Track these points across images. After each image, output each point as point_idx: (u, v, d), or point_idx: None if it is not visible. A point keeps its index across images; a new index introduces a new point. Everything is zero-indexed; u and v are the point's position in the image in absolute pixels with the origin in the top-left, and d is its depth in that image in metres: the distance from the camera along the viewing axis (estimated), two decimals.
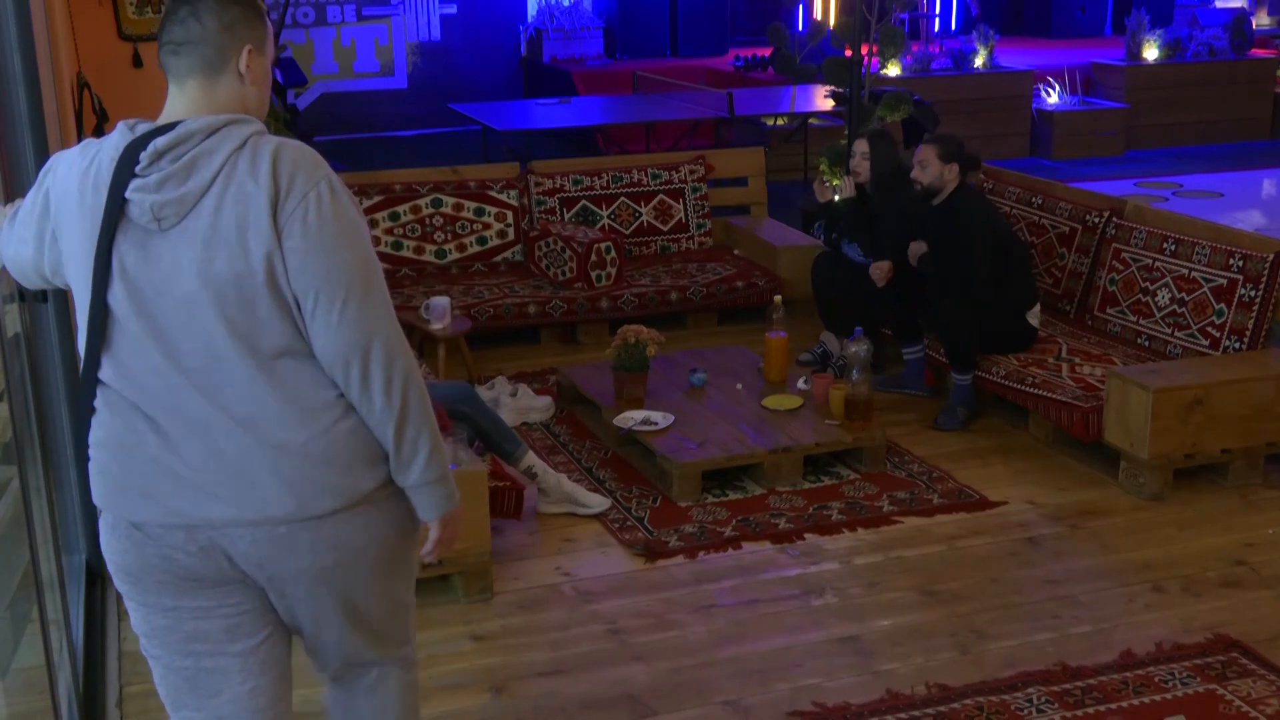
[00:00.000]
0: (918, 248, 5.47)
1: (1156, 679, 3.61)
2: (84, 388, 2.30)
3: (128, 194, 2.20)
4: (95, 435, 2.32)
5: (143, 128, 2.26)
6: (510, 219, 6.93)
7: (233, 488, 2.24)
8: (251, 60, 2.34)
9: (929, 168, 5.40)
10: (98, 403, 2.30)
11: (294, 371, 2.25)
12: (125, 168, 2.21)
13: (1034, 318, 5.44)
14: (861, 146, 5.91)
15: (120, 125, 2.29)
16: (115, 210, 2.21)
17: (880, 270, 5.54)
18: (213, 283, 2.19)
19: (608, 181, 7.12)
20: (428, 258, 6.79)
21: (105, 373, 2.27)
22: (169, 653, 2.43)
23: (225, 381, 2.22)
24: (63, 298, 4.11)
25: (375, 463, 2.32)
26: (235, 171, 2.20)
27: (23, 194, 3.81)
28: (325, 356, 2.25)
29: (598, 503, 4.64)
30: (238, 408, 2.23)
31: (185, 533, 2.27)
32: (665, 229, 7.17)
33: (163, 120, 2.29)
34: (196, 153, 2.21)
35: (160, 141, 2.21)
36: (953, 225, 5.34)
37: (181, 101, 2.32)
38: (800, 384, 5.34)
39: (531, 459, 4.58)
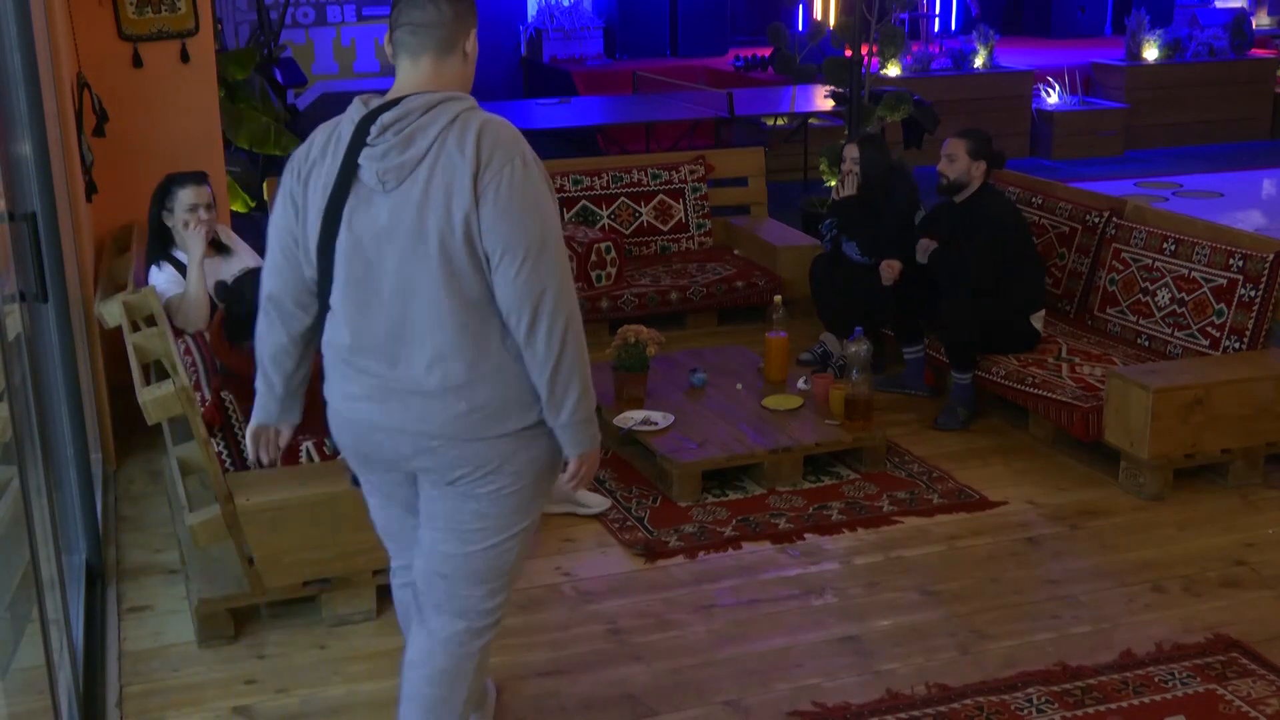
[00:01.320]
0: (927, 245, 5.45)
1: (1156, 679, 3.61)
2: (320, 305, 2.80)
3: (360, 160, 2.65)
4: (324, 346, 2.84)
5: (375, 102, 2.69)
6: None
7: (403, 406, 2.70)
8: (472, 43, 2.76)
9: (957, 162, 5.38)
10: (327, 322, 2.80)
11: (476, 316, 2.65)
12: (359, 138, 2.66)
13: (1038, 320, 5.44)
14: (852, 152, 5.94)
15: (356, 100, 2.73)
16: (349, 173, 2.67)
17: (891, 270, 5.52)
18: (422, 237, 2.61)
19: (608, 181, 7.12)
20: None
21: (331, 298, 2.75)
22: (372, 505, 3.04)
23: (418, 318, 2.65)
24: (63, 298, 4.11)
25: (514, 414, 2.72)
26: (446, 144, 2.60)
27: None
28: (504, 304, 2.64)
29: (598, 503, 4.64)
30: (423, 340, 2.66)
31: (368, 430, 2.79)
32: (665, 229, 7.17)
33: (395, 93, 2.70)
34: (414, 127, 2.61)
35: (386, 117, 2.63)
36: (971, 224, 5.33)
37: (414, 75, 2.71)
38: (800, 384, 5.34)
39: None
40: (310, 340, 2.89)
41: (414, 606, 3.00)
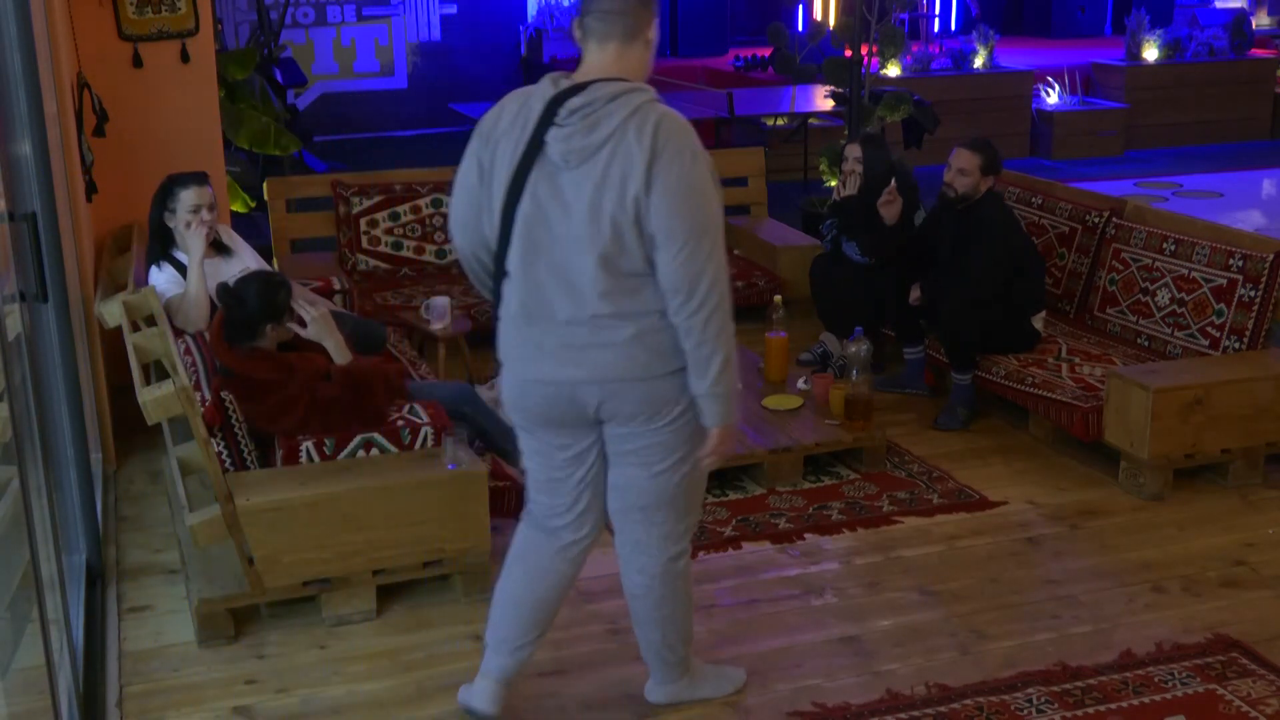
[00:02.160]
0: (915, 293, 5.46)
1: (1156, 679, 3.61)
2: (496, 275, 3.07)
3: (546, 137, 2.90)
4: (500, 312, 3.09)
5: (564, 83, 2.93)
6: None
7: (582, 359, 2.99)
8: (654, 31, 2.99)
9: (969, 177, 5.36)
10: (504, 287, 3.05)
11: (638, 281, 2.94)
12: (547, 116, 2.91)
13: (1038, 321, 5.44)
14: (854, 152, 5.93)
15: (546, 80, 2.96)
16: (535, 147, 2.92)
17: (914, 296, 5.50)
18: (598, 214, 2.89)
19: None
20: (428, 258, 6.79)
21: (509, 262, 3.00)
22: (532, 459, 3.29)
23: (588, 283, 2.93)
24: (63, 298, 4.11)
25: (677, 356, 3.01)
26: (626, 133, 2.86)
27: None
28: (663, 282, 2.93)
29: None
30: (589, 305, 2.95)
31: (546, 386, 3.05)
32: None
33: (583, 76, 2.95)
34: (600, 114, 2.87)
35: (574, 101, 2.88)
36: (972, 231, 5.33)
37: (601, 59, 2.96)
38: (800, 384, 5.34)
39: None
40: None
41: (531, 540, 3.37)
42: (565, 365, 3.02)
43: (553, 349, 3.02)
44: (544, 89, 2.96)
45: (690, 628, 3.42)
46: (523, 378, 3.10)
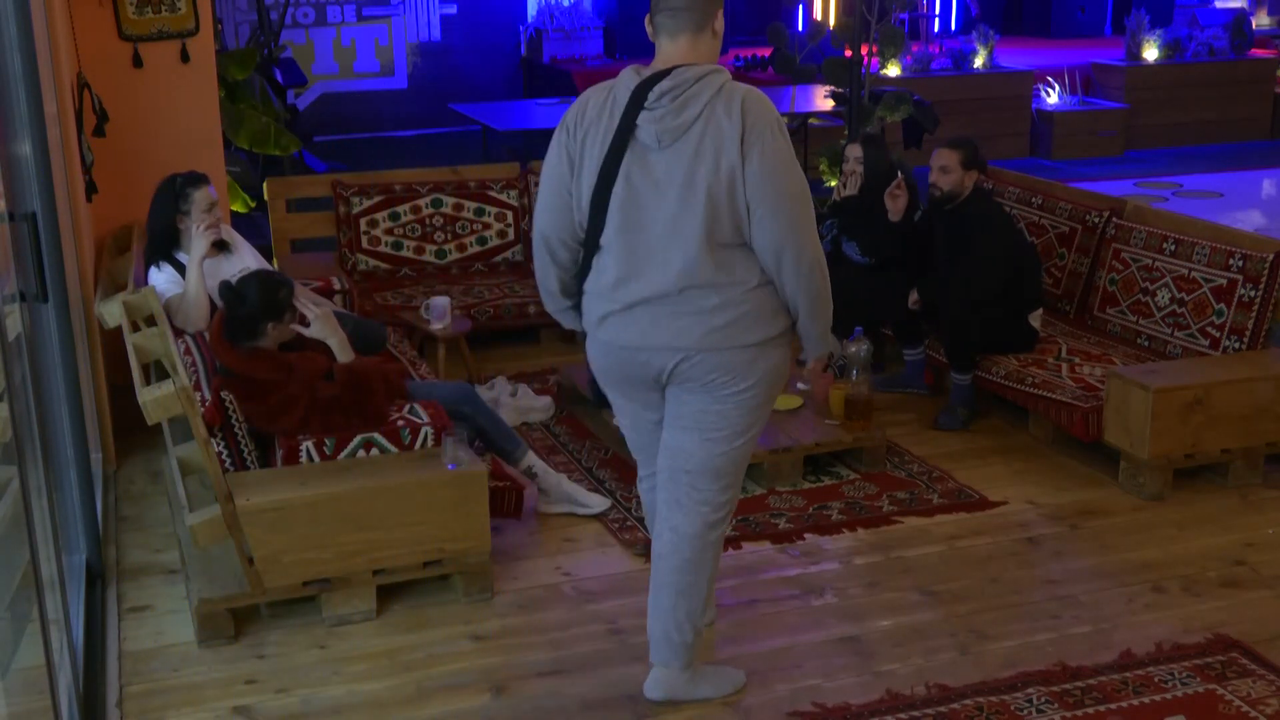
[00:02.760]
0: (913, 297, 5.46)
1: (1156, 679, 3.61)
2: (587, 249, 3.27)
3: (637, 121, 3.12)
4: (588, 284, 3.30)
5: (646, 73, 3.16)
6: (510, 219, 6.93)
7: (666, 327, 3.19)
8: (720, 22, 3.21)
9: (951, 174, 5.37)
10: (595, 261, 3.26)
11: (729, 251, 3.15)
12: (636, 102, 3.13)
13: (1035, 320, 5.43)
14: (855, 152, 5.93)
15: (627, 71, 3.20)
16: (626, 131, 3.14)
17: (913, 300, 5.50)
18: (692, 189, 3.11)
19: None
20: (428, 258, 6.79)
21: (602, 239, 3.22)
22: (625, 423, 3.56)
23: (681, 254, 3.14)
24: (63, 298, 4.11)
25: (757, 328, 3.22)
26: (715, 111, 3.08)
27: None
28: (758, 248, 3.16)
29: (598, 503, 4.64)
30: (680, 272, 3.15)
31: (634, 352, 3.26)
32: None
33: (661, 65, 3.17)
34: (687, 95, 3.09)
35: (662, 85, 3.11)
36: (966, 229, 5.33)
37: (673, 51, 3.18)
38: (800, 384, 5.33)
39: (531, 459, 4.58)
40: (575, 271, 3.35)
41: (647, 489, 3.63)
42: (654, 333, 3.22)
43: (643, 317, 3.22)
44: (627, 79, 3.18)
45: (702, 614, 3.46)
46: (609, 343, 3.31)
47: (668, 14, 3.16)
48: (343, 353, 4.18)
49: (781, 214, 3.11)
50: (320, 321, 4.18)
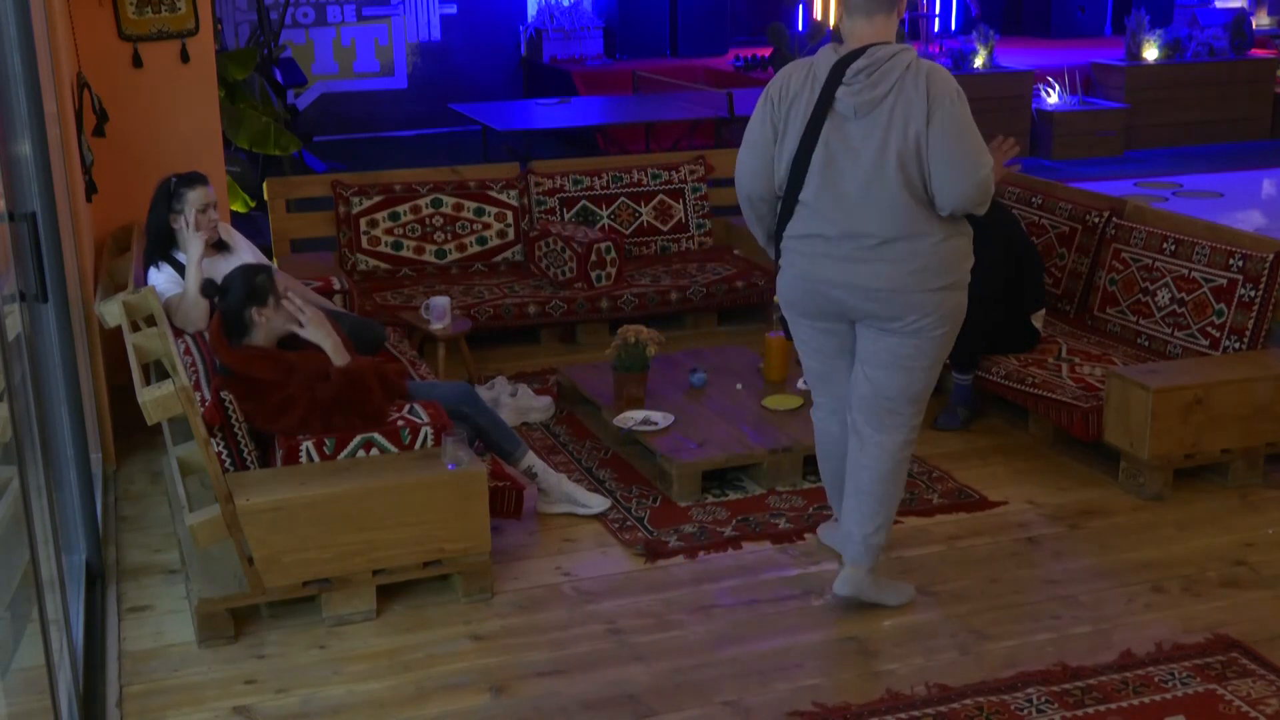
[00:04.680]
0: None
1: (1156, 679, 3.61)
2: (785, 208, 3.80)
3: (836, 94, 3.63)
4: (789, 231, 3.80)
5: (842, 51, 3.66)
6: (510, 219, 6.93)
7: (860, 270, 3.69)
8: (903, 4, 3.71)
9: None
10: (795, 212, 3.77)
11: (915, 206, 3.64)
12: (835, 77, 3.64)
13: (1038, 320, 5.44)
14: None
15: (826, 49, 3.70)
16: (826, 103, 3.65)
17: None
18: (885, 153, 3.61)
19: (608, 181, 7.12)
20: (428, 258, 6.79)
21: (803, 195, 3.72)
22: (807, 354, 4.01)
23: (874, 208, 3.64)
24: (63, 298, 4.11)
25: (941, 275, 3.70)
26: (904, 85, 3.58)
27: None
28: (940, 203, 3.64)
29: (598, 503, 4.64)
30: (874, 226, 3.66)
31: (829, 288, 3.76)
32: (665, 229, 7.17)
33: (855, 44, 3.66)
34: (881, 72, 3.59)
35: (859, 64, 3.61)
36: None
37: (867, 31, 3.67)
38: (800, 384, 5.33)
39: (531, 459, 4.58)
40: (773, 220, 3.89)
41: (833, 434, 4.05)
42: (850, 273, 3.71)
43: (840, 260, 3.72)
44: (826, 57, 3.69)
45: (892, 521, 3.97)
46: (807, 278, 3.80)
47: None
48: (337, 355, 4.17)
49: (960, 171, 3.58)
50: (314, 324, 4.17)
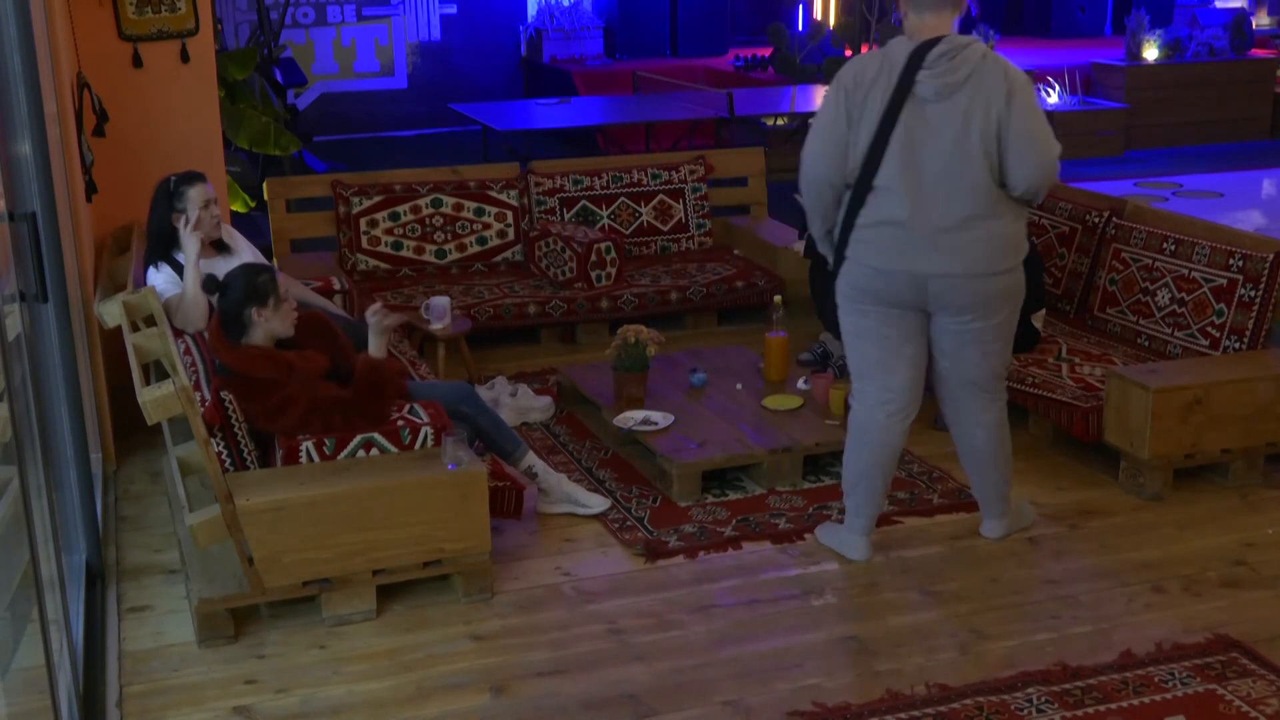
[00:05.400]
0: None
1: (1156, 679, 3.61)
2: (856, 193, 3.93)
3: (916, 79, 3.81)
4: (862, 219, 3.94)
5: (917, 40, 3.85)
6: (510, 219, 6.93)
7: (938, 254, 3.87)
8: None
9: None
10: (868, 199, 3.90)
11: (990, 188, 3.85)
12: (914, 63, 3.82)
13: (1038, 320, 5.44)
14: None
15: (898, 40, 3.91)
16: (905, 88, 3.82)
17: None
18: (966, 134, 3.80)
19: (608, 181, 7.12)
20: (428, 258, 6.80)
21: (878, 180, 3.87)
22: (867, 342, 4.10)
23: (947, 194, 3.84)
24: (63, 298, 4.11)
25: (1010, 256, 3.95)
26: (983, 71, 3.80)
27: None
28: (1014, 183, 3.85)
29: (598, 503, 4.63)
30: (954, 207, 3.84)
31: (903, 276, 3.92)
32: (665, 229, 7.17)
33: (928, 35, 3.86)
34: (960, 58, 3.81)
35: (939, 49, 3.82)
36: None
37: (937, 23, 3.88)
38: (800, 384, 5.34)
39: (531, 459, 4.58)
40: (835, 210, 4.03)
41: (877, 424, 4.14)
42: (926, 258, 3.87)
43: (917, 245, 3.87)
44: (902, 46, 3.88)
45: (1012, 465, 4.34)
46: (877, 268, 3.94)
47: None
48: (379, 351, 4.23)
49: (1037, 149, 3.81)
50: (378, 322, 4.27)
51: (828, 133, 3.94)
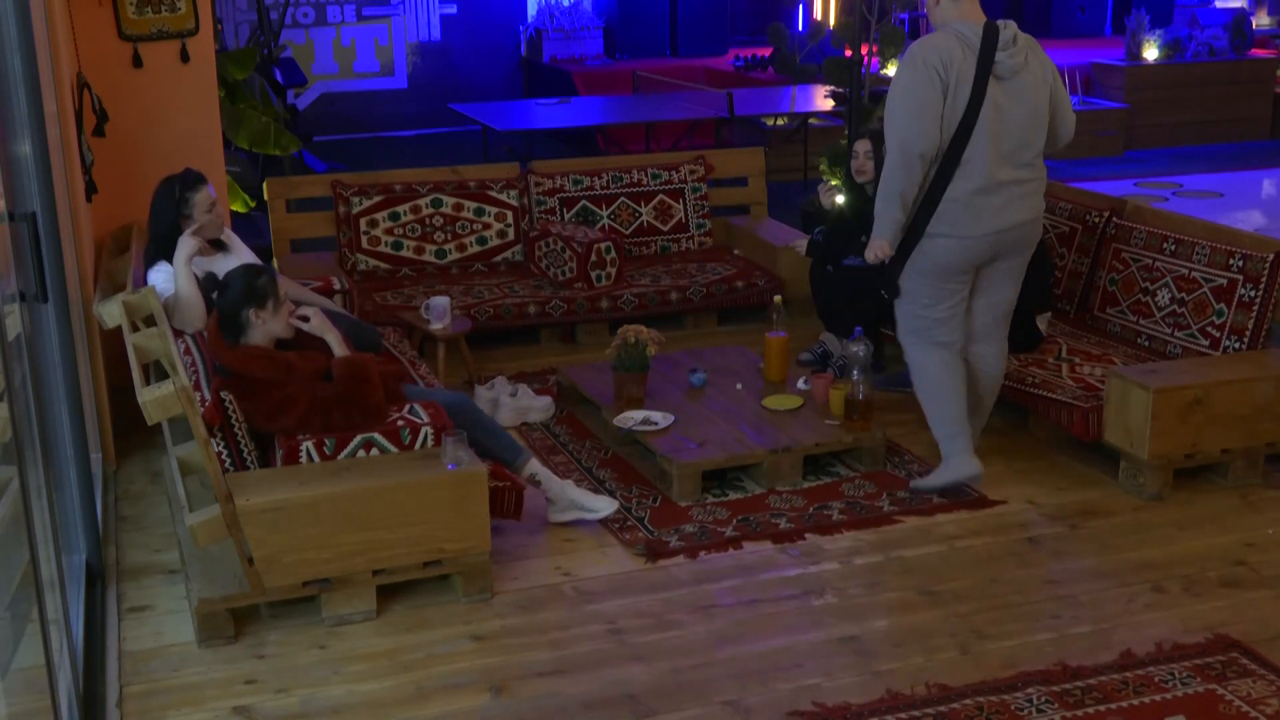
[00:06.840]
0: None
1: (1156, 679, 3.61)
2: (945, 165, 4.42)
3: (996, 58, 4.36)
4: (952, 192, 4.44)
5: (981, 25, 4.38)
6: (510, 219, 6.93)
7: (1021, 207, 4.53)
8: None
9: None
10: (955, 173, 4.42)
11: (1040, 152, 4.56)
12: (990, 43, 4.36)
13: (1042, 322, 5.43)
14: (864, 146, 5.91)
15: (963, 24, 4.39)
16: (987, 66, 4.37)
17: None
18: (1038, 105, 4.50)
19: (608, 181, 7.12)
20: (428, 258, 6.79)
21: (967, 153, 4.41)
22: (939, 308, 4.65)
23: (1021, 157, 4.49)
24: (63, 298, 4.11)
25: (1044, 201, 4.70)
26: (1035, 52, 4.49)
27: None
28: (1057, 142, 4.67)
29: (605, 505, 4.56)
30: (1025, 172, 4.51)
31: (988, 239, 4.51)
32: (665, 229, 7.17)
33: (963, 18, 4.42)
34: (1019, 41, 4.43)
35: (1005, 33, 4.39)
36: None
37: (974, 9, 4.44)
38: (800, 384, 5.34)
39: (535, 466, 4.53)
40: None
41: (963, 366, 4.71)
42: (1008, 216, 4.49)
43: (1003, 206, 4.47)
44: (972, 29, 4.38)
45: None
46: (968, 236, 4.47)
47: None
48: (339, 348, 4.19)
49: (1071, 116, 4.66)
50: (319, 317, 4.20)
51: (931, 111, 4.34)
